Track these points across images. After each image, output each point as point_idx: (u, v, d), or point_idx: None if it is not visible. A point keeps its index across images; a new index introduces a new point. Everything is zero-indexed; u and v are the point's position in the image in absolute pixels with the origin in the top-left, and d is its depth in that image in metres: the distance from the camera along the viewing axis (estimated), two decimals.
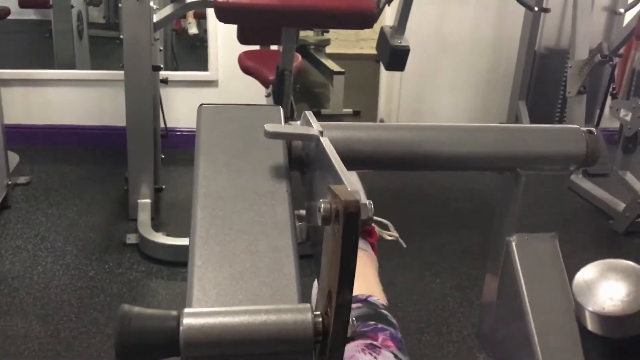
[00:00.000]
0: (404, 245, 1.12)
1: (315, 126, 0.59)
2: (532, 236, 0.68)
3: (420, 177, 3.17)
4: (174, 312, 0.41)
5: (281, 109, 0.65)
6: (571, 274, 0.71)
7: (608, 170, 3.10)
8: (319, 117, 0.63)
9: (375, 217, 1.10)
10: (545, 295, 0.65)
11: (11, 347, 1.89)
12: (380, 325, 0.84)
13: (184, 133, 3.32)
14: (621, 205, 2.83)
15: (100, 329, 1.99)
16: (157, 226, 2.53)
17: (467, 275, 2.39)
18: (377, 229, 1.08)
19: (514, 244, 0.67)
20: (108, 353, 1.89)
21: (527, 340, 0.63)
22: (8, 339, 1.92)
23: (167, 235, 2.43)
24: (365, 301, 0.89)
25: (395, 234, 1.13)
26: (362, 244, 1.04)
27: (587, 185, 3.06)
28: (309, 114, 0.63)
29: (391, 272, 2.37)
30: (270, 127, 0.55)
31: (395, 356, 0.79)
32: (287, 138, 0.59)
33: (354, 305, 0.87)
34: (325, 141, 0.54)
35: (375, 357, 0.78)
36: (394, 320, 0.87)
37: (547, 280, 0.66)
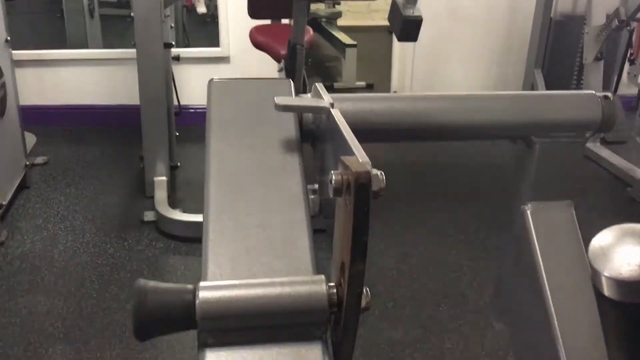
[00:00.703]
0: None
1: (326, 98, 0.59)
2: (547, 204, 0.67)
3: (435, 149, 3.16)
4: (190, 286, 0.42)
5: (291, 81, 0.65)
6: (588, 242, 0.70)
7: (626, 138, 3.05)
8: (331, 91, 0.63)
9: None
10: (561, 262, 0.65)
11: (35, 323, 1.93)
12: None
13: (198, 110, 3.32)
14: (639, 173, 2.80)
15: (122, 305, 2.02)
16: (173, 203, 2.55)
17: (482, 247, 2.38)
18: None
19: (529, 212, 0.67)
20: (130, 329, 1.92)
21: (543, 307, 0.63)
22: (31, 316, 1.96)
23: (184, 212, 2.45)
24: None
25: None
26: None
27: (605, 152, 3.02)
28: (320, 86, 0.62)
29: (407, 245, 2.38)
30: (280, 100, 0.55)
31: None
32: (297, 110, 0.59)
33: None
34: (336, 113, 0.54)
35: None
36: None
37: (563, 248, 0.66)
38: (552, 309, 0.63)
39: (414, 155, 3.08)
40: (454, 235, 2.45)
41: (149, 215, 2.49)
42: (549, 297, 0.63)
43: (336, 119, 0.52)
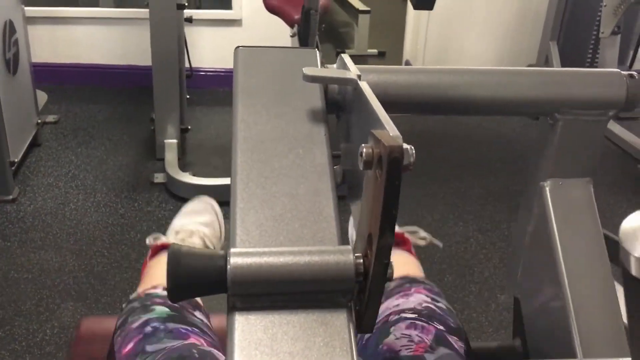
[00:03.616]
0: (440, 246, 1.14)
1: (353, 69, 0.59)
2: (566, 182, 0.68)
3: (447, 119, 3.15)
4: (221, 252, 0.43)
5: (317, 51, 0.65)
6: (603, 219, 0.71)
7: (638, 114, 3.03)
8: None
9: (403, 227, 1.11)
10: (578, 240, 0.66)
11: (47, 280, 1.97)
12: (413, 284, 0.87)
13: (209, 73, 3.31)
14: None
15: (132, 264, 2.05)
16: (183, 166, 2.56)
17: (490, 219, 2.40)
18: (406, 235, 1.09)
19: (547, 189, 0.68)
20: None
21: (558, 284, 0.65)
22: (43, 273, 2.00)
23: (194, 175, 2.47)
24: (400, 278, 0.92)
25: (426, 235, 1.15)
26: (400, 252, 1.06)
27: (616, 128, 3.01)
28: (346, 57, 0.63)
29: (415, 215, 2.40)
30: (309, 70, 0.56)
31: (427, 295, 0.81)
32: (326, 82, 0.59)
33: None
34: (364, 85, 0.54)
35: (407, 297, 0.81)
36: (431, 283, 0.89)
37: (580, 225, 0.66)
38: (567, 284, 0.64)
39: (424, 126, 3.08)
40: (462, 207, 2.47)
41: (159, 177, 2.52)
42: (564, 271, 0.64)
43: (364, 92, 0.52)
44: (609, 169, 2.80)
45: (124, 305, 0.87)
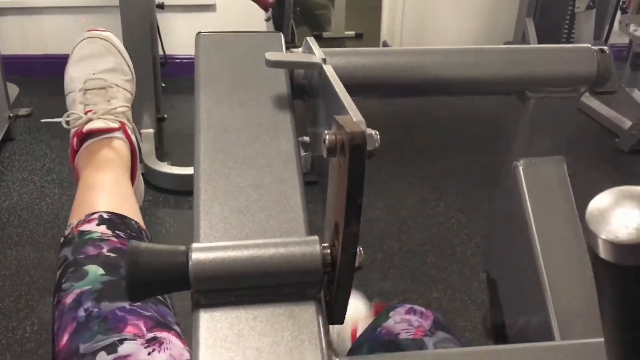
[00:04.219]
0: None
1: (318, 53, 0.57)
2: (539, 160, 0.67)
3: (427, 100, 3.14)
4: (182, 247, 0.42)
5: (282, 35, 0.63)
6: (576, 193, 0.71)
7: (615, 88, 3.04)
8: (321, 40, 0.61)
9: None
10: (552, 218, 0.65)
11: (25, 276, 1.94)
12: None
13: (184, 60, 3.26)
14: (627, 123, 2.81)
15: None
16: (161, 156, 2.52)
17: (472, 198, 2.40)
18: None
19: (521, 168, 0.67)
20: None
21: (533, 262, 0.64)
22: (21, 269, 1.97)
23: (172, 164, 2.44)
24: None
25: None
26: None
27: (594, 103, 3.02)
28: (311, 40, 0.61)
29: (397, 195, 2.39)
30: (271, 55, 0.54)
31: None
32: (289, 66, 0.57)
33: None
34: (328, 69, 0.52)
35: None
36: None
37: (554, 203, 0.66)
38: (542, 262, 0.64)
39: (405, 106, 3.07)
40: (443, 187, 2.47)
41: None
42: (539, 251, 0.64)
43: (329, 76, 0.51)
44: (587, 145, 2.82)
45: (61, 241, 0.83)
